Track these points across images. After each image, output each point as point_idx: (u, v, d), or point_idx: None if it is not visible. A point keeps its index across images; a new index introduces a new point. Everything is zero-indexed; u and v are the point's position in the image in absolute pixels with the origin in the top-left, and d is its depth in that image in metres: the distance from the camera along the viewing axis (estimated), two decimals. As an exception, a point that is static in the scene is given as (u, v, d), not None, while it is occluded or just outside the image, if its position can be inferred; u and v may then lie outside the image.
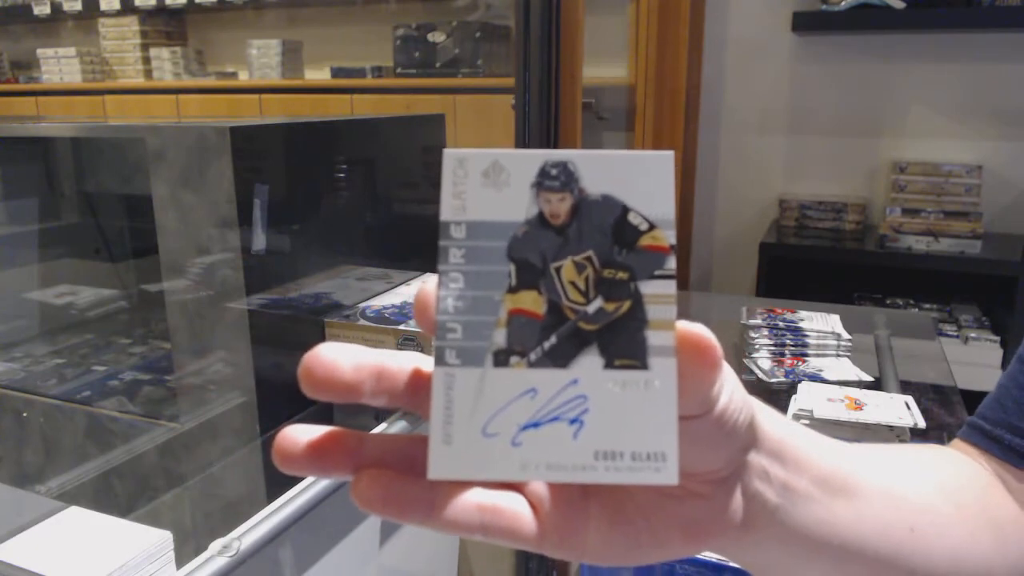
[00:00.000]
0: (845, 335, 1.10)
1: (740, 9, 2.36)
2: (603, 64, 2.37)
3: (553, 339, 0.24)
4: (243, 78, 3.07)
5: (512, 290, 0.24)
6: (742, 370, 1.07)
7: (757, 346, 1.10)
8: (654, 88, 2.20)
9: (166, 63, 3.15)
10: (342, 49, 2.99)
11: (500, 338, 0.24)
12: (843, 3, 2.05)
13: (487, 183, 0.24)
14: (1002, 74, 2.12)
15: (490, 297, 0.24)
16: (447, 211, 0.24)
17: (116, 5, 3.18)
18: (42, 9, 3.35)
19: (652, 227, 0.24)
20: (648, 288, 0.24)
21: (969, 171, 2.09)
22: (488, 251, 0.24)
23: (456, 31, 2.56)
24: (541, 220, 0.24)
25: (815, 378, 1.00)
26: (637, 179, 0.24)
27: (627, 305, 0.24)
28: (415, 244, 1.21)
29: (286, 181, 0.94)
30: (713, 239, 2.54)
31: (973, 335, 1.95)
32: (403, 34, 2.64)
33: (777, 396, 0.97)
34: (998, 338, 1.94)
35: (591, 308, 0.24)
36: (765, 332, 1.11)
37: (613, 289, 0.24)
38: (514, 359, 0.24)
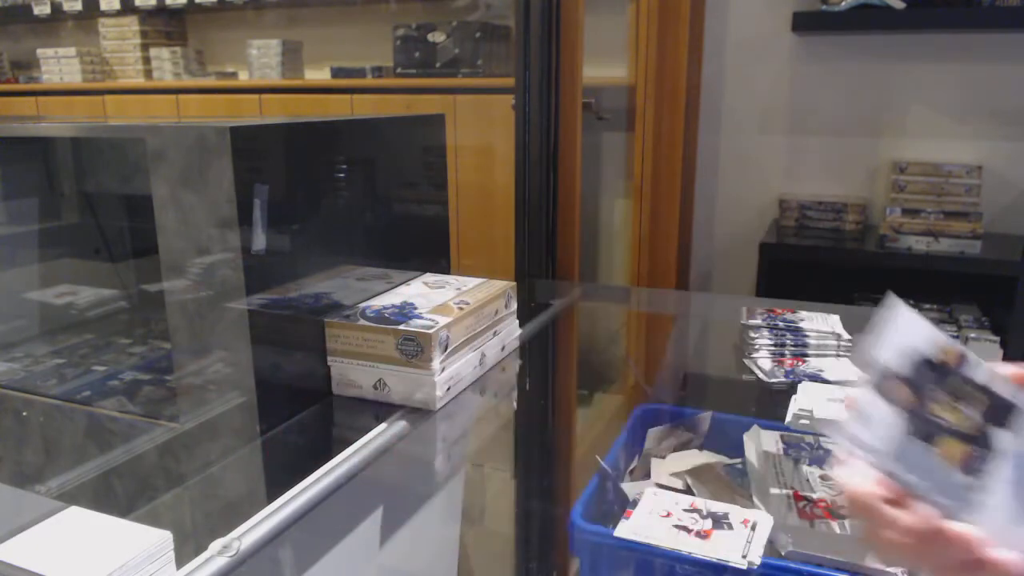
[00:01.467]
0: (845, 335, 1.10)
1: (740, 9, 2.36)
2: (603, 64, 2.37)
3: None
4: (243, 78, 3.08)
5: None
6: (742, 370, 1.07)
7: (757, 346, 1.10)
8: (654, 88, 2.20)
9: (166, 63, 3.15)
10: (342, 49, 2.99)
11: None
12: (843, 3, 2.05)
13: None
14: (1002, 74, 2.12)
15: None
16: None
17: (116, 5, 3.18)
18: (42, 9, 3.36)
19: None
20: None
21: (969, 171, 2.09)
22: None
23: (456, 31, 2.56)
24: None
25: (815, 378, 1.00)
26: None
27: None
28: (415, 244, 1.21)
29: (286, 181, 0.94)
30: (713, 239, 2.54)
31: (973, 335, 1.95)
32: (403, 34, 2.64)
33: (777, 396, 0.97)
34: (998, 338, 1.93)
35: None
36: (765, 332, 1.11)
37: None
38: None
